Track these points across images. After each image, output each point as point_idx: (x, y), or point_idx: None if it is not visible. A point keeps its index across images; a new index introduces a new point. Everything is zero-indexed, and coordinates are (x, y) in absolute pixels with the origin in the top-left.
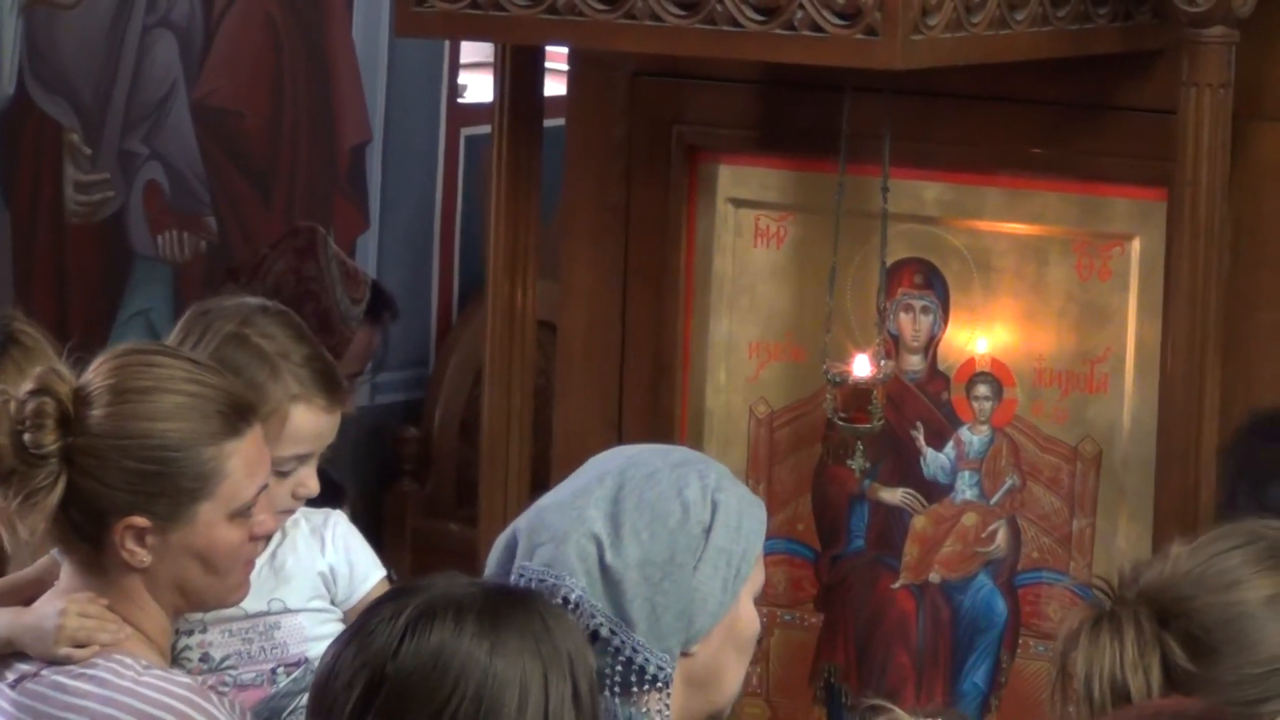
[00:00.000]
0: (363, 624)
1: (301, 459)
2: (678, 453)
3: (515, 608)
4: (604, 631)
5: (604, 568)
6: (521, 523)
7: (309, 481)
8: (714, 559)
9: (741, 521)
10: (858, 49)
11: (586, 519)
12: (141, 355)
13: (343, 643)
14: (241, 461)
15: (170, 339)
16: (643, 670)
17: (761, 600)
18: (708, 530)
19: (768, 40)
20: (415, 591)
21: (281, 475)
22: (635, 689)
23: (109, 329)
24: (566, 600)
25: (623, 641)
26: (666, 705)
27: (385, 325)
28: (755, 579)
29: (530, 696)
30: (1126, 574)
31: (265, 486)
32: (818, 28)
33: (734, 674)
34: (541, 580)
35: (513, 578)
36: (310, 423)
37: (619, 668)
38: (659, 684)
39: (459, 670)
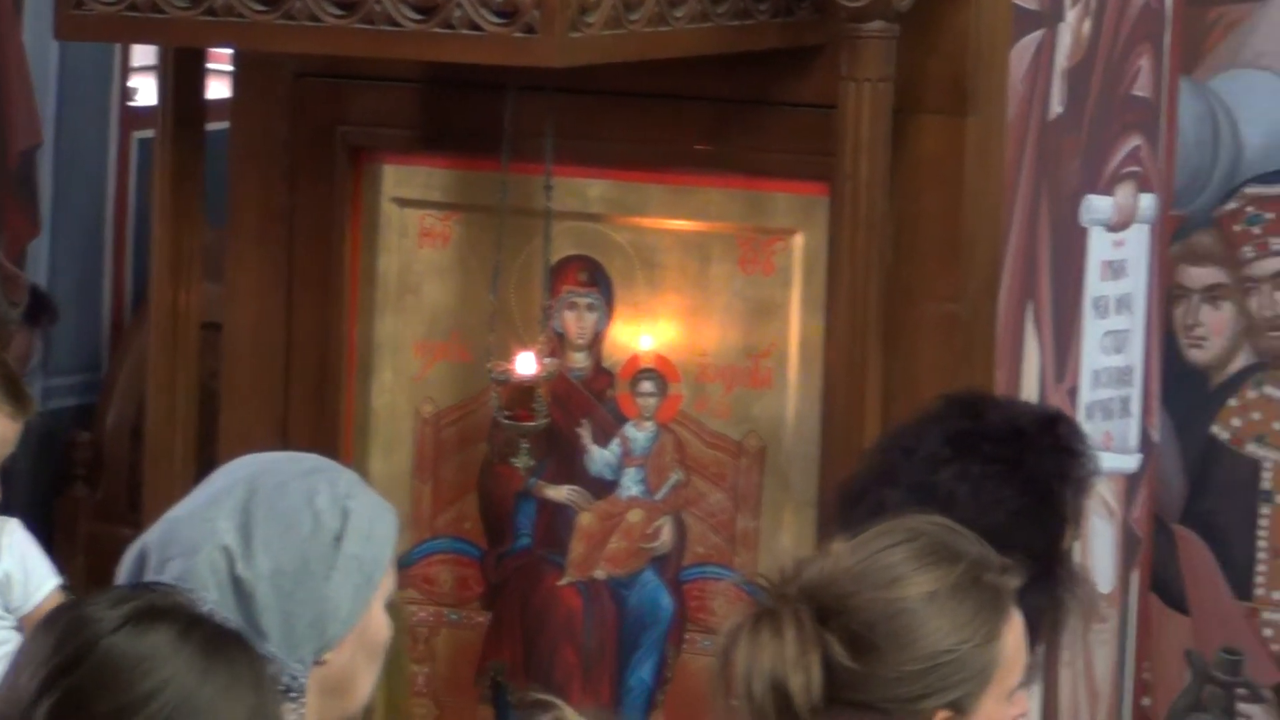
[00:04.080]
0: (82, 602)
1: None
2: (308, 460)
3: (238, 649)
4: None
5: (235, 580)
6: (151, 536)
7: None
8: (346, 567)
9: (373, 528)
10: (516, 47)
11: (217, 531)
12: None
13: (56, 615)
14: None
15: None
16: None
17: (428, 599)
18: (339, 538)
19: (426, 39)
20: (151, 590)
21: None
22: None
23: None
24: None
25: None
26: (301, 715)
27: (44, 327)
28: (387, 585)
29: None
30: (789, 570)
31: None
32: (476, 26)
33: (366, 680)
34: None
35: None
36: None
37: None
38: (292, 694)
39: (164, 679)
